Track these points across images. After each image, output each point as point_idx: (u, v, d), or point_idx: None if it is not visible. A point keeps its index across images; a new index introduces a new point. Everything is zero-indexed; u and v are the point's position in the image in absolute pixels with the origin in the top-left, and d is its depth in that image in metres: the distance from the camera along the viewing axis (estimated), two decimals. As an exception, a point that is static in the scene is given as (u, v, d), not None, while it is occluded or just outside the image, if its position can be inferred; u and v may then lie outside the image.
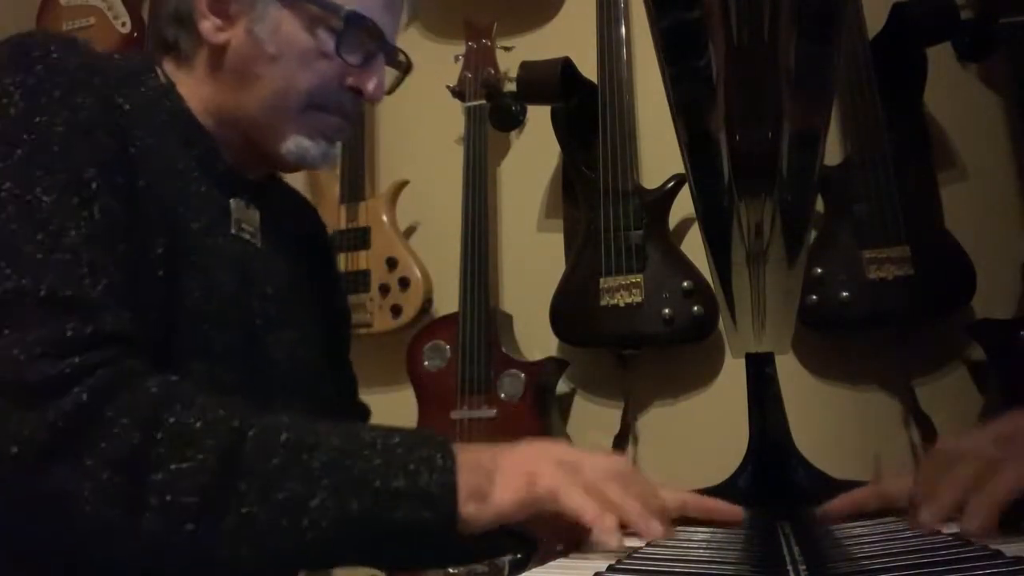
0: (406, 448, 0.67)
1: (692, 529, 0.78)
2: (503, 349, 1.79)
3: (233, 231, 0.86)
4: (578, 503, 0.64)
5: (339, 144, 0.93)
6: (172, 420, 0.63)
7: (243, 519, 0.62)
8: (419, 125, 1.98)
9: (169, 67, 0.89)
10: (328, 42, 0.85)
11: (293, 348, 0.90)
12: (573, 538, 0.68)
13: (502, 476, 0.67)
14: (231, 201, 0.86)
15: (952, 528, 0.58)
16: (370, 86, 0.88)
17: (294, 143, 0.87)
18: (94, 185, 0.70)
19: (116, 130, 0.74)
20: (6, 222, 0.66)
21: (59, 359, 0.62)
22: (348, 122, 0.91)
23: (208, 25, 0.85)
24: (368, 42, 0.87)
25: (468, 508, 0.65)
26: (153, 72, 0.87)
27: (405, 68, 0.96)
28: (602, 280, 1.68)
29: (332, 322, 1.04)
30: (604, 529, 0.62)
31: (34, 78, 0.71)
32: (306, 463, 0.64)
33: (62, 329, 0.63)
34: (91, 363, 0.63)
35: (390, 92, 0.94)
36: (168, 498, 0.61)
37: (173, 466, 0.62)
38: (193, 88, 0.87)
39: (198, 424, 0.63)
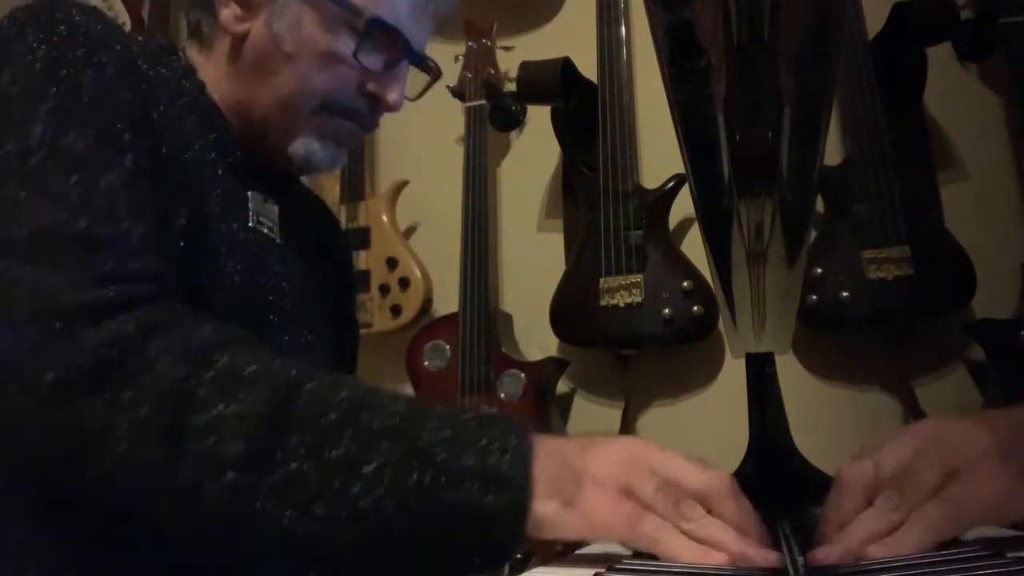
0: (478, 424, 0.59)
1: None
2: (503, 349, 1.78)
3: (251, 223, 0.84)
4: (683, 552, 0.55)
5: (348, 149, 0.90)
6: (225, 359, 0.58)
7: (290, 475, 0.55)
8: (419, 125, 1.98)
9: (191, 51, 0.87)
10: (348, 45, 0.82)
11: (306, 350, 0.87)
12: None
13: (596, 488, 0.57)
14: (249, 193, 0.84)
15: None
16: (390, 95, 0.86)
17: (302, 144, 0.85)
18: (126, 137, 0.68)
19: (140, 92, 0.73)
20: (41, 163, 0.63)
21: (100, 288, 0.58)
22: (362, 128, 0.89)
23: (228, 13, 0.83)
24: (391, 49, 0.84)
25: (548, 507, 0.56)
26: (175, 55, 0.85)
27: (434, 74, 0.93)
28: (602, 280, 1.68)
29: (341, 335, 1.00)
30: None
31: (57, 36, 0.70)
32: (366, 424, 0.57)
33: (102, 263, 0.60)
34: (135, 295, 0.59)
35: (416, 98, 0.92)
36: (210, 442, 0.55)
37: (220, 407, 0.56)
38: (211, 75, 0.85)
39: (253, 367, 0.58)
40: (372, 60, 0.83)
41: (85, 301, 0.57)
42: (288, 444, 0.56)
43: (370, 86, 0.85)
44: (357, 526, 0.56)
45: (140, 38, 0.85)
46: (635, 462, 0.59)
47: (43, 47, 0.69)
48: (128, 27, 2.20)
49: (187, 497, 0.56)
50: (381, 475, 0.56)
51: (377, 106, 0.87)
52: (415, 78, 0.91)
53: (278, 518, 0.56)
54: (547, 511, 0.56)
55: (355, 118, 0.87)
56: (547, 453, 0.58)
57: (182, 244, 0.72)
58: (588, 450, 0.59)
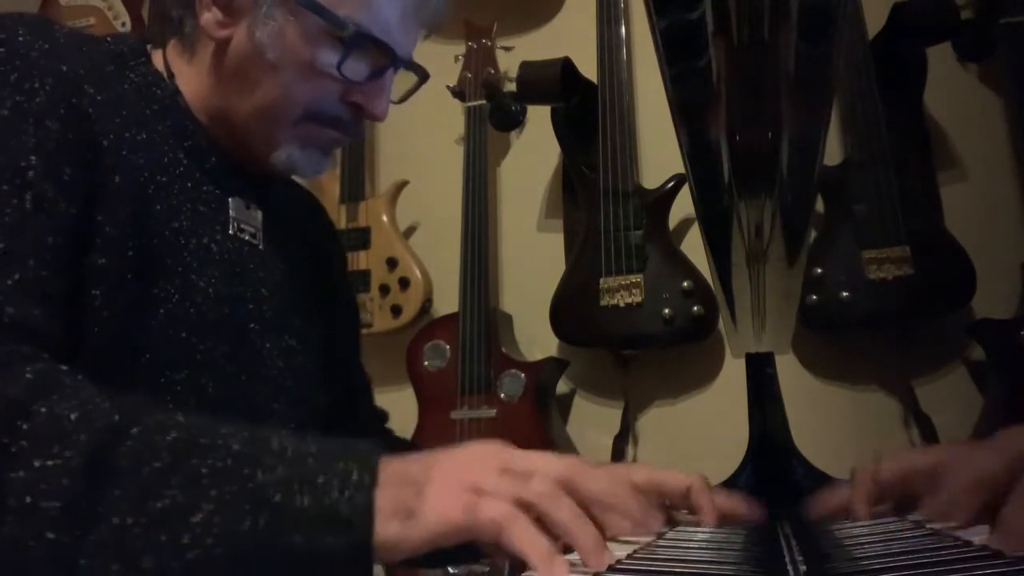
0: (319, 459, 0.56)
1: (692, 529, 0.78)
2: (503, 349, 1.79)
3: (231, 231, 0.83)
4: (525, 543, 0.52)
5: (333, 154, 0.89)
6: (43, 410, 0.55)
7: (114, 530, 0.52)
8: (419, 125, 1.98)
9: (172, 51, 0.85)
10: (332, 57, 0.80)
11: (290, 356, 0.86)
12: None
13: (436, 490, 0.55)
14: (229, 200, 0.83)
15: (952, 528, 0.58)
16: (374, 105, 0.84)
17: (285, 153, 0.83)
18: (31, 174, 0.66)
19: (79, 120, 0.71)
20: None
21: None
22: (346, 135, 0.87)
23: (209, 17, 0.81)
24: (377, 59, 0.83)
25: (389, 530, 0.54)
26: (145, 57, 0.83)
27: (421, 77, 0.91)
28: (602, 280, 1.68)
29: (340, 326, 0.99)
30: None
31: None
32: (194, 469, 0.54)
33: None
34: None
35: (401, 101, 0.91)
36: (28, 500, 0.52)
37: (37, 463, 0.53)
38: (191, 78, 0.83)
39: (73, 416, 0.55)
40: (356, 71, 0.81)
41: None
42: (110, 497, 0.53)
43: (355, 97, 0.83)
44: (192, 573, 0.53)
45: (109, 39, 0.83)
46: (482, 460, 0.58)
47: None
48: (128, 27, 2.20)
49: (9, 557, 0.54)
50: (210, 524, 0.53)
51: (361, 115, 0.85)
52: (403, 79, 0.90)
53: (104, 572, 0.53)
54: (389, 534, 0.54)
55: (338, 127, 0.85)
56: (389, 478, 0.56)
57: (129, 276, 0.71)
58: (434, 463, 0.57)
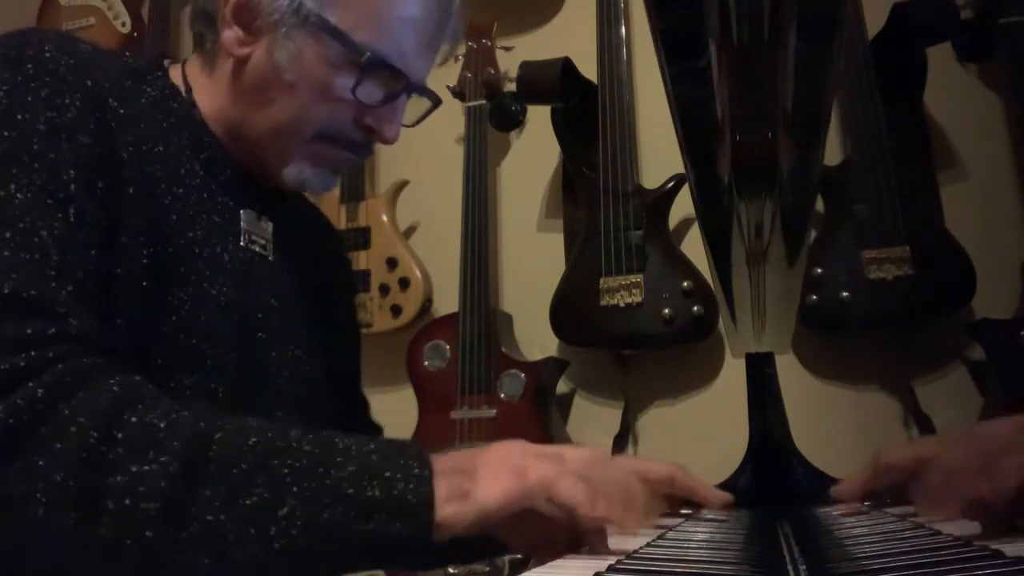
0: (382, 456, 0.63)
1: (692, 528, 0.78)
2: (503, 349, 1.79)
3: (242, 242, 0.84)
4: (572, 493, 0.62)
5: (342, 173, 0.91)
6: (134, 419, 0.60)
7: (207, 527, 0.58)
8: (419, 125, 1.98)
9: (193, 65, 0.87)
10: (348, 81, 0.81)
11: (296, 365, 0.88)
12: (547, 548, 0.67)
13: (486, 472, 0.63)
14: (241, 212, 0.85)
15: (950, 528, 0.58)
16: (386, 129, 0.86)
17: (296, 170, 0.85)
18: (72, 187, 0.68)
19: (104, 133, 0.73)
20: None
21: (15, 355, 0.59)
22: (357, 156, 0.89)
23: (230, 35, 0.82)
24: (391, 84, 0.84)
25: (447, 511, 0.62)
26: (162, 71, 0.85)
27: (434, 102, 0.93)
28: (602, 280, 1.68)
29: (344, 343, 1.01)
30: (596, 525, 0.62)
31: (21, 75, 0.70)
32: (276, 469, 0.60)
33: (22, 327, 0.60)
34: (48, 358, 0.60)
35: (414, 124, 0.93)
36: (127, 503, 0.57)
37: (133, 468, 0.58)
38: (210, 91, 0.85)
39: (162, 424, 0.60)
40: (370, 95, 0.83)
41: (1, 369, 0.58)
42: (202, 497, 0.59)
43: (368, 120, 0.85)
44: (277, 561, 0.60)
45: (127, 54, 0.85)
46: (519, 450, 0.66)
47: (4, 88, 0.69)
48: (128, 27, 2.21)
49: (106, 557, 0.58)
50: (294, 517, 0.60)
51: (373, 137, 0.87)
52: (415, 103, 0.91)
53: (197, 565, 0.58)
54: (446, 515, 0.62)
55: (350, 148, 0.87)
56: (444, 471, 0.64)
57: (144, 283, 0.73)
58: (477, 454, 0.66)
